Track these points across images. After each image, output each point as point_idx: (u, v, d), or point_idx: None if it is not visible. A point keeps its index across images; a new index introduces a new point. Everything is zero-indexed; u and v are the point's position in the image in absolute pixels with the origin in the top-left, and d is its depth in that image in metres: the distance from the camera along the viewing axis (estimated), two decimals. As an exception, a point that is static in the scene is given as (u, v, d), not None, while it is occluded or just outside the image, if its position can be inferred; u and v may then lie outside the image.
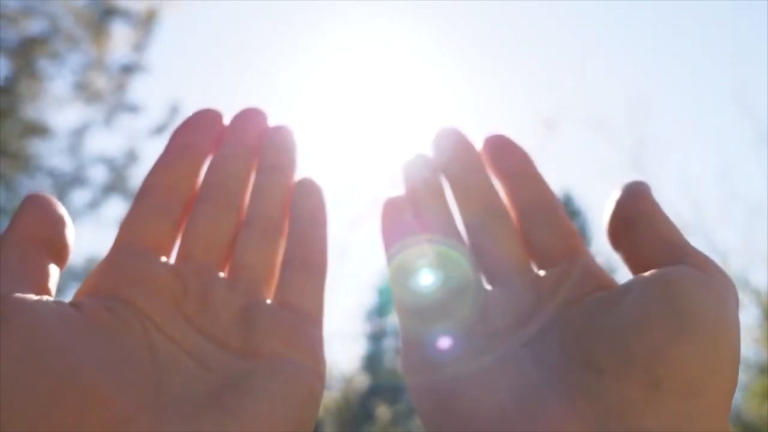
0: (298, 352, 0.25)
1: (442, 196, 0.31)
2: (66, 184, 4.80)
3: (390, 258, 0.30)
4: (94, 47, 4.76)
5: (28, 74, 4.58)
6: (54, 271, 0.24)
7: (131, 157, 4.98)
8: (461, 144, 0.31)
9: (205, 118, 0.29)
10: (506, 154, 0.31)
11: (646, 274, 0.25)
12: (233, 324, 0.26)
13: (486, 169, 0.31)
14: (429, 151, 0.32)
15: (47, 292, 0.24)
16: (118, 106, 4.91)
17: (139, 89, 6.52)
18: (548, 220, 0.29)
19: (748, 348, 5.84)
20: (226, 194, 0.28)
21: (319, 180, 0.30)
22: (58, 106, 4.74)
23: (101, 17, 4.77)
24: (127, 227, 0.27)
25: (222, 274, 0.27)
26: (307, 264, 0.28)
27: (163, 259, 0.27)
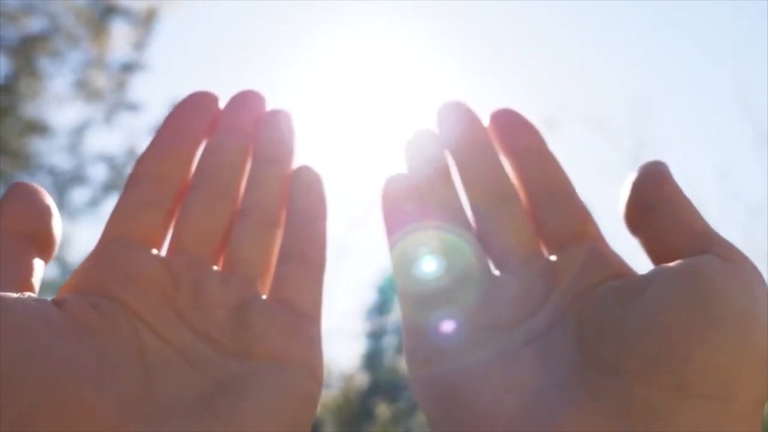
0: (295, 353, 0.24)
1: (447, 175, 0.29)
2: (66, 182, 4.79)
3: (392, 244, 0.28)
4: (94, 45, 4.75)
5: (28, 72, 4.57)
6: (38, 265, 0.23)
7: (131, 155, 4.97)
8: (467, 120, 0.29)
9: (200, 101, 0.28)
10: (515, 131, 0.29)
11: (670, 265, 0.23)
12: (227, 321, 0.24)
13: (494, 148, 0.29)
14: (433, 127, 0.30)
15: (30, 288, 0.22)
16: (118, 104, 4.90)
17: (139, 88, 6.55)
18: (560, 202, 0.27)
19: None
20: (220, 183, 0.27)
21: (319, 168, 0.29)
22: (58, 104, 4.73)
23: (101, 15, 4.77)
24: (115, 219, 0.25)
25: (216, 268, 0.26)
26: (305, 258, 0.26)
27: (154, 251, 0.25)
